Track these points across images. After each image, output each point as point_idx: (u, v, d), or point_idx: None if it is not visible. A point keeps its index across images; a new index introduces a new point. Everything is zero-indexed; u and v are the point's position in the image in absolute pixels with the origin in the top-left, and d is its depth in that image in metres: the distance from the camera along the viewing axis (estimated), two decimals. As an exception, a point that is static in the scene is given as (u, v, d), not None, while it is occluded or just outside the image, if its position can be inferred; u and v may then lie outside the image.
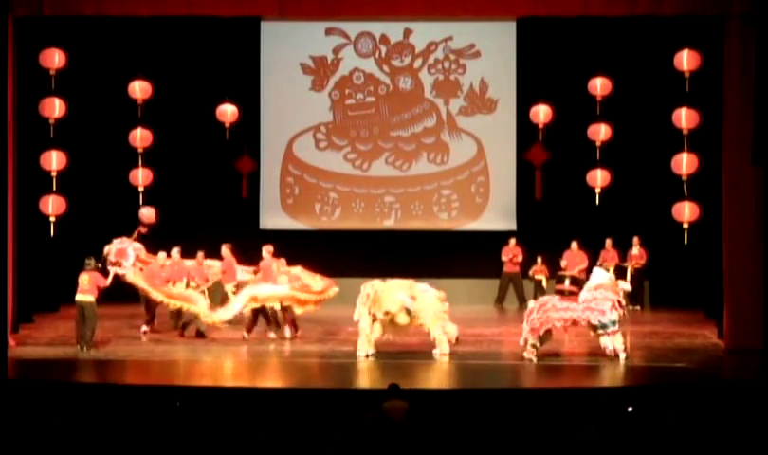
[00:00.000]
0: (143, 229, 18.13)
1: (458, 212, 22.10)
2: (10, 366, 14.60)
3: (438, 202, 22.07)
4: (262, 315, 17.33)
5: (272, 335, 17.28)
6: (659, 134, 19.20)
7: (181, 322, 17.57)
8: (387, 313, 15.79)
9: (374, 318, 15.76)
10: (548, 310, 15.51)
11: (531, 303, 16.16)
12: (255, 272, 17.80)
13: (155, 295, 17.22)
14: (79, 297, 16.27)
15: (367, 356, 15.66)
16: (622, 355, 15.37)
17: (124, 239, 17.79)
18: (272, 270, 17.47)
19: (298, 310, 17.13)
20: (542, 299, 16.24)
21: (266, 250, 17.79)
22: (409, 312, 15.80)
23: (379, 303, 15.75)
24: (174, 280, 17.67)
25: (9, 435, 9.69)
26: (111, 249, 17.60)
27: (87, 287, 16.24)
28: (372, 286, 15.90)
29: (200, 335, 17.26)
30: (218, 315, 16.89)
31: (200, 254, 18.18)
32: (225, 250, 18.25)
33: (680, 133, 17.83)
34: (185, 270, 17.94)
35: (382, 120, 22.09)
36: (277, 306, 17.15)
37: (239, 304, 16.94)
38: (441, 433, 10.07)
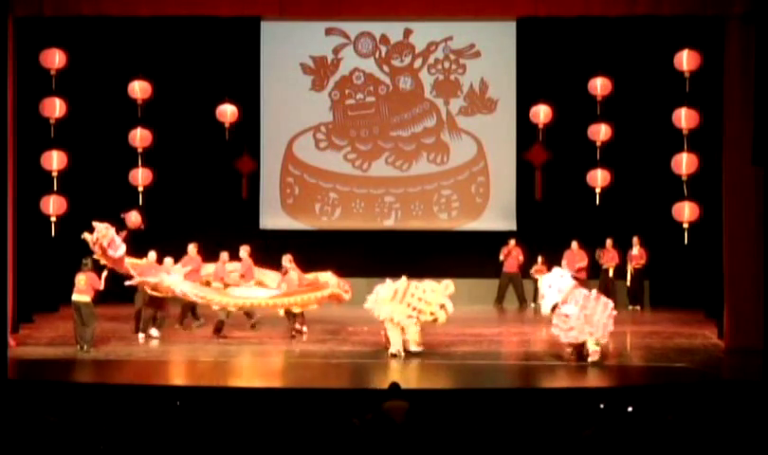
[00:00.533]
0: (123, 234, 17.78)
1: (458, 212, 22.10)
2: (10, 366, 14.60)
3: (438, 202, 22.07)
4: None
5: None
6: (659, 134, 19.20)
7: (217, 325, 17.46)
8: (433, 314, 15.83)
9: (417, 320, 15.79)
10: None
11: (573, 308, 15.47)
12: (284, 274, 17.71)
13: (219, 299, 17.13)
14: (75, 297, 16.26)
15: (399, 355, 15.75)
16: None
17: (109, 226, 17.10)
18: (253, 269, 17.71)
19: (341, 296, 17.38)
20: (603, 299, 15.71)
21: (244, 250, 17.92)
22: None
23: (427, 305, 15.79)
24: None
25: (9, 435, 9.69)
26: (106, 235, 16.71)
27: (83, 287, 16.22)
28: (416, 287, 15.90)
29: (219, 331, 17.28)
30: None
31: (224, 254, 18.07)
32: (243, 252, 18.10)
33: (680, 133, 17.84)
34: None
35: (382, 120, 22.09)
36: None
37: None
38: (441, 433, 10.06)
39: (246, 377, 15.27)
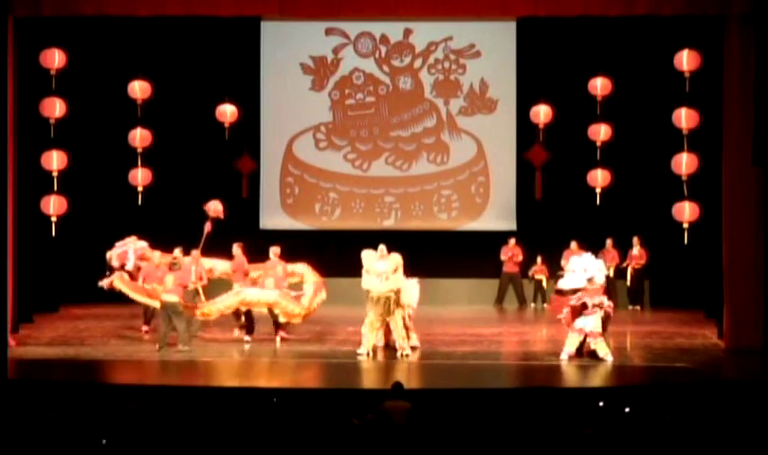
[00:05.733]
0: (209, 226, 17.81)
1: (458, 212, 22.11)
2: (10, 366, 14.58)
3: (438, 202, 22.07)
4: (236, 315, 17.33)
5: (246, 338, 17.09)
6: (659, 134, 19.19)
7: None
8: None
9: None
10: None
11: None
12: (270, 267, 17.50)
13: (136, 297, 17.01)
14: (163, 296, 16.31)
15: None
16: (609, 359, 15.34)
17: (126, 241, 17.43)
18: (244, 266, 17.47)
19: (282, 319, 16.72)
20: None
21: (273, 252, 17.62)
22: None
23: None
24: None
25: (9, 435, 9.69)
26: (112, 255, 17.29)
27: (171, 287, 16.27)
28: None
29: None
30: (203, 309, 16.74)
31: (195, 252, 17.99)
32: (236, 249, 17.90)
33: (680, 133, 17.82)
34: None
35: (382, 120, 22.10)
36: (264, 310, 16.85)
37: (224, 305, 16.71)
38: (441, 433, 10.06)
39: (245, 377, 15.25)
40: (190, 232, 18.82)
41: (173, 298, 16.20)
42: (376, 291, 15.57)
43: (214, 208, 17.90)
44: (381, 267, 15.63)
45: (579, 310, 15.33)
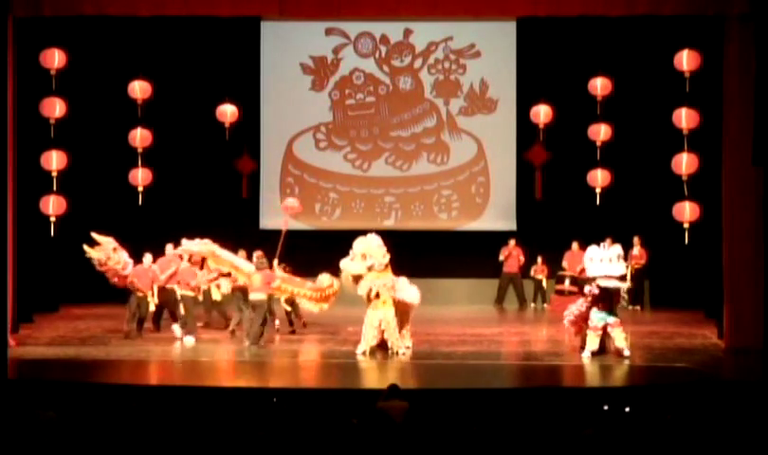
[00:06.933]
0: (286, 225, 17.74)
1: (458, 212, 22.11)
2: (10, 366, 14.59)
3: (438, 202, 22.08)
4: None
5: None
6: (659, 134, 19.19)
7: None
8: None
9: None
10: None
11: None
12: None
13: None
14: (251, 296, 16.53)
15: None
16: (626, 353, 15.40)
17: (110, 244, 17.20)
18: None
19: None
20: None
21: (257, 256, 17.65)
22: None
23: None
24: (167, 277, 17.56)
25: (9, 435, 9.69)
26: (119, 261, 17.16)
27: (258, 286, 16.42)
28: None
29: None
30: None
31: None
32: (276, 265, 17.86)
33: (680, 133, 17.81)
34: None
35: (382, 120, 22.10)
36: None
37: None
38: (440, 434, 10.05)
39: (245, 377, 15.25)
40: (190, 233, 18.85)
41: (260, 296, 16.43)
42: (343, 269, 16.05)
43: (291, 205, 18.04)
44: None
45: (586, 314, 15.36)
